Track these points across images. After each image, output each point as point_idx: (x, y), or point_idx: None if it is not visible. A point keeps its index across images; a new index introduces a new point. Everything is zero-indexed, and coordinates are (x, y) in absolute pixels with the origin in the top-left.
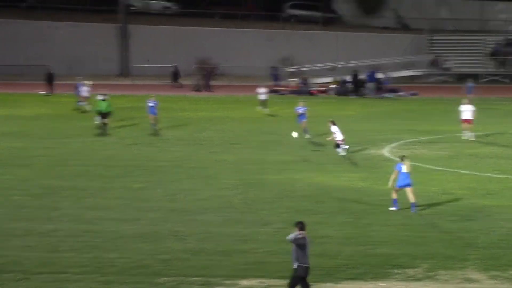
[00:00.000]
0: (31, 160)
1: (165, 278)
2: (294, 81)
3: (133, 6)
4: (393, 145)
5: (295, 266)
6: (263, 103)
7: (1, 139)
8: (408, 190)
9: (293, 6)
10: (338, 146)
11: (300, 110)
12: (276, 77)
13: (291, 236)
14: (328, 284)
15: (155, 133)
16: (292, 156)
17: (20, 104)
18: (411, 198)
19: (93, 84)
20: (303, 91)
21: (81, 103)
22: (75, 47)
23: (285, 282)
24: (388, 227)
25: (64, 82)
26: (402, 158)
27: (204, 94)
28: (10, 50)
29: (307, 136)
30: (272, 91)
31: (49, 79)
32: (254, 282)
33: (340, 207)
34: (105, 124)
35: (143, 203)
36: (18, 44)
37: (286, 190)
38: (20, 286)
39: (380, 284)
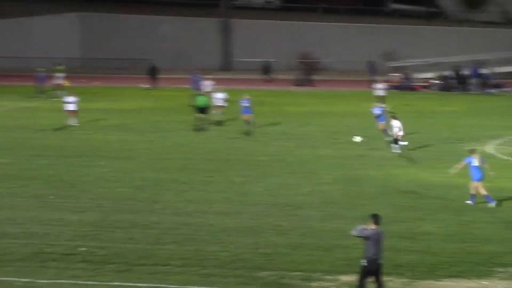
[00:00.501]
0: (134, 153)
1: (266, 272)
2: (396, 76)
3: (236, 0)
4: (497, 141)
5: (363, 261)
6: (381, 99)
7: (104, 132)
8: (480, 184)
9: (396, 0)
10: (396, 141)
11: (378, 110)
12: (372, 71)
13: (356, 231)
14: (429, 281)
15: (249, 133)
16: (392, 152)
17: (123, 97)
18: (483, 191)
19: (213, 78)
20: (405, 86)
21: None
22: (178, 41)
23: (386, 278)
24: (491, 225)
25: (167, 76)
26: (472, 151)
27: (305, 89)
28: (114, 44)
29: (388, 137)
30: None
31: (153, 73)
32: (355, 278)
33: (441, 204)
34: (203, 119)
35: (245, 197)
36: (123, 38)
37: (386, 186)
38: (123, 278)
39: (483, 283)
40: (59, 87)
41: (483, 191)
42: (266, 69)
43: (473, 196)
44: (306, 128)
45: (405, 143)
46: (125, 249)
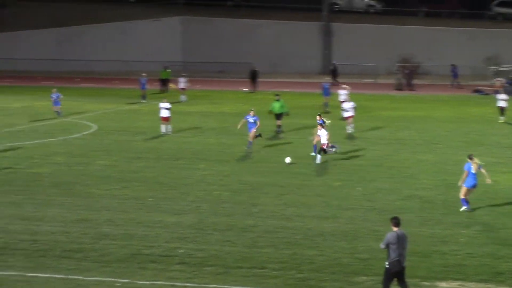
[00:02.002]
0: (232, 156)
1: (363, 277)
2: (499, 80)
3: (337, 4)
4: None
5: (386, 264)
6: (503, 110)
7: (204, 135)
8: (466, 189)
9: (500, 4)
10: None
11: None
12: (455, 75)
13: (383, 244)
14: None
15: (351, 137)
16: (494, 158)
17: (223, 100)
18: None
19: (349, 88)
20: (508, 90)
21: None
22: (279, 45)
23: (485, 285)
24: None
25: (267, 80)
26: (470, 157)
27: (405, 93)
28: (215, 48)
29: None
30: (475, 91)
31: (253, 77)
32: (453, 284)
33: None
34: (279, 125)
35: (342, 201)
36: (223, 42)
37: (487, 192)
38: (220, 280)
39: None
40: (182, 91)
41: (462, 195)
42: (334, 73)
43: (463, 200)
44: (406, 132)
45: None
46: (223, 251)
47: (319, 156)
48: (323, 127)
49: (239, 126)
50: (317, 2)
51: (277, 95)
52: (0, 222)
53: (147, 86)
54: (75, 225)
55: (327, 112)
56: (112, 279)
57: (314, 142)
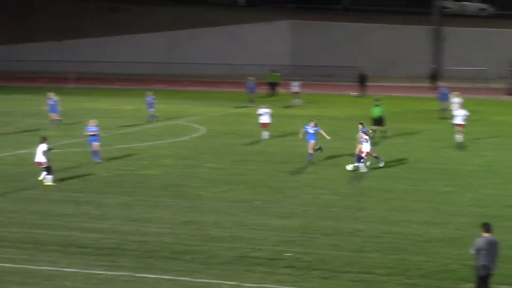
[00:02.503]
0: (340, 160)
1: (471, 284)
2: None
3: (448, 8)
4: None
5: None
6: None
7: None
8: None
9: None
10: None
11: None
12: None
13: (473, 249)
14: None
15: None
16: None
17: (332, 104)
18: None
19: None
20: None
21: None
22: (388, 49)
23: None
24: None
25: (375, 84)
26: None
27: None
28: (324, 51)
29: None
30: None
31: (362, 81)
32: None
33: None
34: (380, 130)
35: (451, 207)
36: (332, 46)
37: None
38: (327, 284)
39: None
40: (295, 95)
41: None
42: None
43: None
44: None
45: None
46: (330, 255)
47: (362, 165)
48: (367, 135)
49: (300, 136)
50: (427, 6)
51: (377, 100)
52: (110, 223)
53: (256, 90)
54: (183, 227)
55: (444, 118)
56: (219, 281)
57: (357, 151)
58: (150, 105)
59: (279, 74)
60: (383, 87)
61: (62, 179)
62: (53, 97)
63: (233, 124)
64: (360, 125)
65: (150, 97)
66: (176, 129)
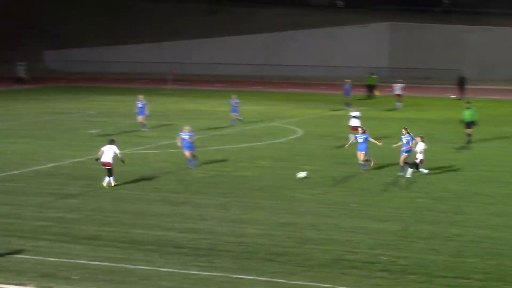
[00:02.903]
0: (436, 164)
1: None
2: None
3: None
4: None
5: None
6: None
7: None
8: None
9: None
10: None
11: None
12: None
13: None
14: None
15: None
16: None
17: (429, 107)
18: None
19: None
20: None
21: None
22: (487, 51)
23: None
24: None
25: (475, 87)
26: None
27: None
28: (423, 54)
29: None
30: None
31: (461, 83)
32: None
33: None
34: (469, 134)
35: None
36: (431, 48)
37: None
38: None
39: None
40: (398, 97)
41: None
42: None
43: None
44: None
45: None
46: (426, 260)
47: (410, 170)
48: (422, 139)
49: (346, 146)
50: None
51: (468, 102)
52: (207, 223)
53: (351, 92)
54: (280, 229)
55: None
56: (315, 284)
57: (401, 161)
58: (234, 108)
59: (376, 76)
60: (482, 90)
61: (160, 180)
62: (142, 100)
63: (329, 127)
64: (404, 130)
65: (234, 100)
66: (273, 131)
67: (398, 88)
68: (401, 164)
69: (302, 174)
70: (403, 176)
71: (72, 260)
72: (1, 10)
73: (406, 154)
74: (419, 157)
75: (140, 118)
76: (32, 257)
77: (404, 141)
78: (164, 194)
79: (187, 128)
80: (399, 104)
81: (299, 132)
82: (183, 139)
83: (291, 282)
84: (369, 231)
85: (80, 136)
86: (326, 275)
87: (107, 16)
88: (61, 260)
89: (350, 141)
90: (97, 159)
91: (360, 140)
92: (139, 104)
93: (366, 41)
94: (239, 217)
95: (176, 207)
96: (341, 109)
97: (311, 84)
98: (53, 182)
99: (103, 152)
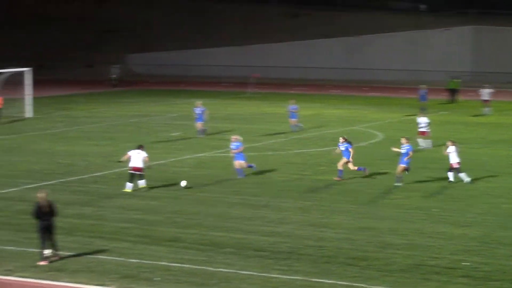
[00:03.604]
0: None
1: None
2: None
3: None
4: None
5: None
6: None
7: (493, 147)
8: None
9: None
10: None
11: None
12: None
13: None
14: None
15: None
16: None
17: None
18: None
19: None
20: None
21: None
22: None
23: None
24: None
25: None
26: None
27: None
28: (506, 57)
29: None
30: None
31: None
32: None
33: None
34: None
35: None
36: None
37: None
38: None
39: None
40: (486, 103)
41: None
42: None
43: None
44: None
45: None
46: (510, 266)
47: (450, 174)
48: (453, 143)
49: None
50: None
51: None
52: (287, 227)
53: (427, 98)
54: (360, 233)
55: None
56: None
57: (399, 171)
58: (292, 114)
59: (460, 80)
60: None
61: (240, 183)
62: (200, 106)
63: (411, 131)
64: (403, 140)
65: (293, 106)
66: (353, 135)
67: (486, 93)
68: (398, 174)
69: (183, 183)
70: (469, 182)
71: (154, 262)
72: (86, 14)
73: (404, 165)
74: (455, 160)
75: (198, 124)
76: (114, 258)
77: (403, 151)
78: (244, 197)
79: (234, 137)
80: (487, 110)
81: (380, 136)
82: (231, 149)
83: (371, 287)
84: (451, 237)
85: (162, 138)
86: (407, 281)
87: (190, 19)
88: (142, 261)
89: (336, 150)
90: (120, 161)
91: (342, 148)
92: (197, 110)
93: (448, 44)
94: (319, 221)
95: (256, 210)
96: (414, 115)
97: (392, 88)
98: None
99: (130, 156)
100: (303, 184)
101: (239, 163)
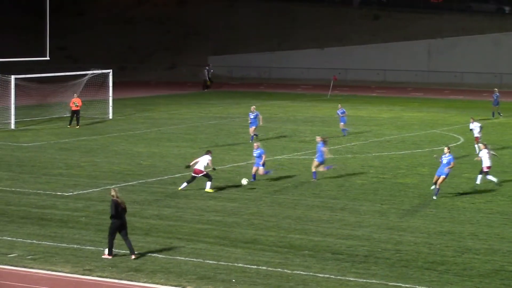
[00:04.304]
0: None
1: None
2: None
3: None
4: None
5: None
6: None
7: None
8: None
9: None
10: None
11: None
12: None
13: None
14: None
15: None
16: None
17: None
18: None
19: None
20: None
21: None
22: None
23: None
24: None
25: None
26: None
27: None
28: None
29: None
30: None
31: None
32: None
33: None
34: None
35: None
36: None
37: None
38: None
39: None
40: None
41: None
42: None
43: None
44: None
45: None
46: None
47: (479, 177)
48: (485, 147)
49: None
50: None
51: None
52: (365, 230)
53: (499, 102)
54: (438, 237)
55: None
56: None
57: (438, 182)
58: (342, 118)
59: None
60: None
61: (319, 185)
62: (254, 111)
63: (492, 134)
64: (446, 149)
65: (340, 109)
66: (434, 138)
67: None
68: (437, 186)
69: (244, 181)
70: (496, 183)
71: (231, 263)
72: (168, 16)
73: (443, 176)
74: (486, 164)
75: (251, 130)
76: (192, 259)
77: (445, 161)
78: (323, 199)
79: (256, 144)
80: None
81: (461, 139)
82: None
83: None
84: None
85: (241, 140)
86: (486, 286)
87: (270, 21)
88: (219, 263)
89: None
90: (188, 166)
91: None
92: (251, 115)
93: None
94: (397, 225)
95: (334, 213)
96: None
97: (474, 91)
98: (213, 185)
99: (198, 161)
100: (382, 187)
101: (257, 169)
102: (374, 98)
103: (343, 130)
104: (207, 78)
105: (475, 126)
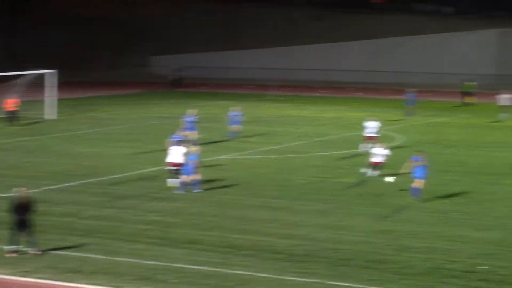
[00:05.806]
0: None
1: None
2: None
3: None
4: None
5: None
6: None
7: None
8: None
9: None
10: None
11: None
12: None
13: None
14: None
15: None
16: None
17: None
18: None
19: None
20: None
21: None
22: None
23: None
24: None
25: None
26: None
27: None
28: None
29: None
30: None
31: None
32: None
33: None
34: None
35: None
36: None
37: None
38: None
39: None
40: (503, 109)
41: None
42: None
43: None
44: None
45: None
46: None
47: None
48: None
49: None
50: None
51: None
52: (305, 229)
53: (415, 102)
54: (378, 236)
55: None
56: None
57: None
58: (234, 121)
59: (475, 83)
60: None
61: (260, 186)
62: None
63: (433, 134)
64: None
65: (234, 112)
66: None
67: (504, 98)
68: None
69: (390, 179)
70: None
71: (170, 264)
72: (109, 16)
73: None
74: (377, 159)
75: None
76: (131, 260)
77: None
78: (265, 199)
79: (194, 149)
80: (504, 116)
81: (401, 139)
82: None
83: None
84: (469, 240)
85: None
86: (425, 284)
87: (215, 22)
88: (158, 263)
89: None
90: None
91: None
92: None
93: (471, 48)
94: (337, 224)
95: (275, 213)
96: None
97: (417, 91)
98: (154, 185)
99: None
100: (324, 187)
101: (185, 177)
102: (317, 98)
103: (234, 133)
104: (175, 78)
105: (371, 125)
